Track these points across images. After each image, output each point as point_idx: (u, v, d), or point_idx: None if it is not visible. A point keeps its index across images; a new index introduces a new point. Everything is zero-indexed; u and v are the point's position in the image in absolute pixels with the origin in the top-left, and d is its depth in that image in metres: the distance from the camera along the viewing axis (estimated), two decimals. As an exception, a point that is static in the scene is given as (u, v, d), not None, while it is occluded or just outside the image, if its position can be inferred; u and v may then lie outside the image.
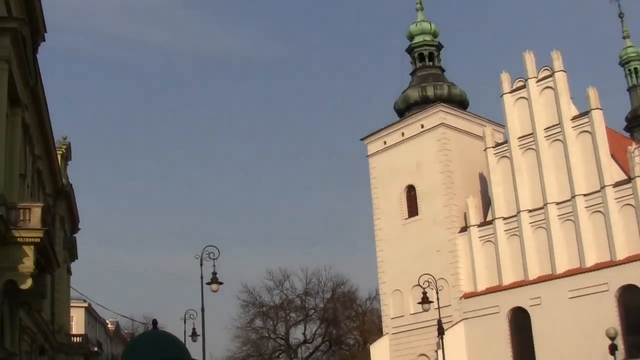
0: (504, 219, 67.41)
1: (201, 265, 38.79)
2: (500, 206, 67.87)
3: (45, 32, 33.05)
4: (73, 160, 51.14)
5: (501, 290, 65.80)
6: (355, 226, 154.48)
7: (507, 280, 65.82)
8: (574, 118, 65.21)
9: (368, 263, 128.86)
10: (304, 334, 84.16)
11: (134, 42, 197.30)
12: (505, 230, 67.13)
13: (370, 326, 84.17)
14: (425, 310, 47.22)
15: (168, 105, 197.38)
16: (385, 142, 77.95)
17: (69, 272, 51.52)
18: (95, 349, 60.95)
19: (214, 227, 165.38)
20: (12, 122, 29.70)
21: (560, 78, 66.41)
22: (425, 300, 44.58)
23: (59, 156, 45.03)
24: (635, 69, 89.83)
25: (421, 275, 46.57)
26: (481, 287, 67.47)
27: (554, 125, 66.10)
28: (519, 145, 67.96)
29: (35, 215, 25.72)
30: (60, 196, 45.13)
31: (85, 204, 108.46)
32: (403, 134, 76.43)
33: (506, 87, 69.70)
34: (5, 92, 27.38)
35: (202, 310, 39.68)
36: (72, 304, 58.07)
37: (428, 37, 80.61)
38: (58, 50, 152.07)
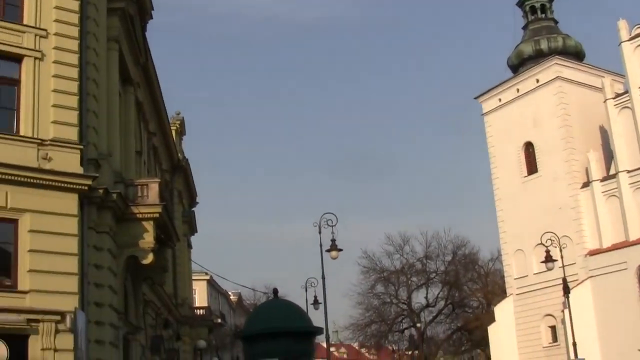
0: (628, 171, 65.12)
1: (320, 232, 38.93)
2: (624, 159, 65.58)
3: (152, 9, 33.57)
4: (187, 135, 52.11)
5: (628, 245, 63.73)
6: (473, 187, 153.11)
7: (634, 235, 63.69)
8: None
9: (488, 223, 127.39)
10: (426, 297, 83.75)
11: (236, 16, 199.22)
12: (630, 184, 64.86)
13: (494, 287, 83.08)
14: (549, 270, 46.31)
15: (275, 73, 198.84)
16: (500, 100, 76.38)
17: (189, 245, 52.65)
18: (219, 320, 62.27)
19: (332, 194, 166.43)
20: (126, 100, 30.38)
21: (683, 21, 63.42)
22: (548, 259, 43.67)
23: (173, 132, 45.88)
24: None
25: (543, 234, 45.60)
26: (607, 244, 65.52)
27: (677, 71, 63.36)
28: (641, 94, 65.41)
29: (153, 191, 26.35)
30: (176, 171, 46.00)
31: (202, 178, 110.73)
32: (518, 90, 74.67)
33: (624, 34, 66.98)
34: (116, 71, 28.01)
35: (323, 277, 39.89)
36: (193, 277, 59.38)
37: (539, -12, 78.17)
38: (164, 27, 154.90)
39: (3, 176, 21.73)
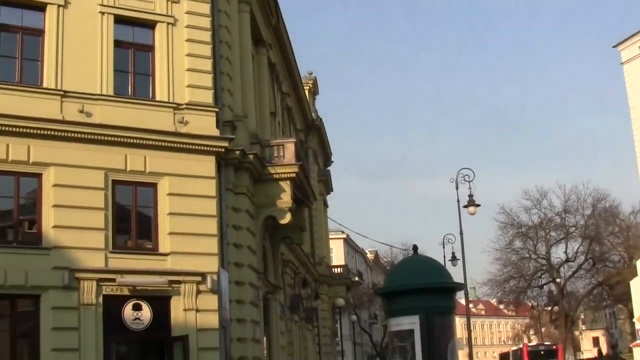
0: None
1: (457, 188, 38.28)
2: None
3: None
4: (320, 94, 51.95)
5: None
6: (611, 139, 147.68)
7: None
8: None
9: (629, 176, 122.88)
10: (565, 252, 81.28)
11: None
12: None
13: (636, 241, 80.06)
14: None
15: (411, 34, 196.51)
16: (640, 47, 72.99)
17: (325, 204, 52.72)
18: (356, 278, 62.33)
19: (469, 149, 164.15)
20: (259, 62, 30.37)
21: None
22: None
23: (306, 91, 45.75)
24: None
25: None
26: None
27: None
28: None
29: (289, 150, 26.30)
30: (310, 130, 45.94)
31: (336, 136, 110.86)
32: (661, 36, 71.14)
33: None
34: (248, 33, 27.96)
35: (461, 233, 39.30)
36: (330, 236, 59.55)
37: None
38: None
39: (141, 141, 22.05)
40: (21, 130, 20.68)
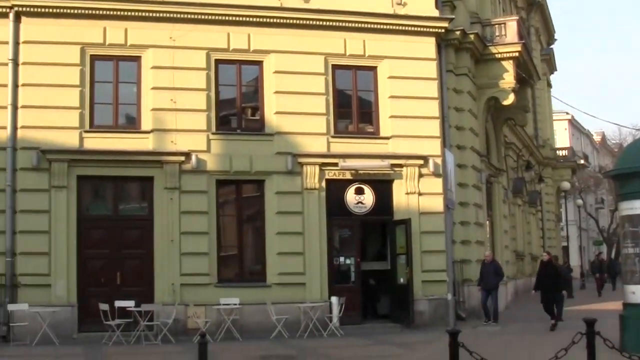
0: None
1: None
2: None
3: None
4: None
5: None
6: None
7: None
8: None
9: None
10: None
11: None
12: None
13: None
14: None
15: None
16: None
17: (549, 84, 50.39)
18: (582, 161, 59.61)
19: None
20: None
21: None
22: None
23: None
24: None
25: None
26: None
27: None
28: None
29: (510, 29, 25.16)
30: (532, 8, 43.64)
31: (559, 13, 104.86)
32: None
33: None
34: None
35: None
36: (554, 117, 57.11)
37: None
38: None
39: (360, 24, 21.60)
40: (241, 19, 20.78)
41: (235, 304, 19.62)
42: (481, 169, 24.88)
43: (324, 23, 21.32)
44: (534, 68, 28.72)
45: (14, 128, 19.41)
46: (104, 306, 18.47)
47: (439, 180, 21.66)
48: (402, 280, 21.23)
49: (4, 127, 19.36)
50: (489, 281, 21.32)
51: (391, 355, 16.63)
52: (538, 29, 45.37)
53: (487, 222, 26.34)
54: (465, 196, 23.24)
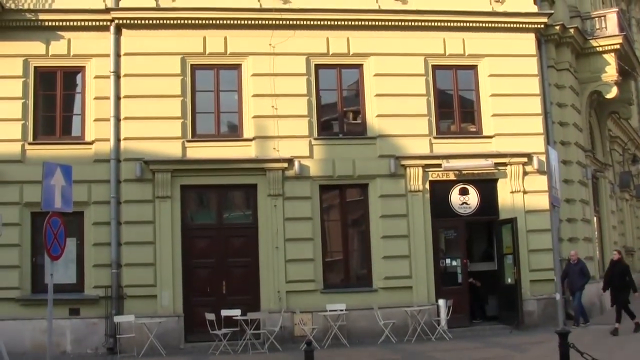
0: None
1: None
2: None
3: None
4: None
5: None
6: None
7: None
8: None
9: None
10: None
11: None
12: None
13: None
14: None
15: None
16: None
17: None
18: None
19: None
20: None
21: None
22: None
23: (625, -42, 41.80)
24: None
25: None
26: None
27: None
28: None
29: (611, 21, 24.31)
30: (632, -1, 42.16)
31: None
32: None
33: None
34: None
35: None
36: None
37: None
38: None
39: (459, 23, 21.27)
40: (339, 22, 20.67)
41: (341, 310, 19.37)
42: (586, 165, 24.06)
43: (423, 23, 21.00)
44: (637, 60, 27.63)
45: (117, 140, 19.63)
46: (210, 315, 18.49)
47: (544, 178, 20.88)
48: (509, 280, 20.69)
49: (107, 140, 19.62)
50: (575, 282, 20.43)
51: (502, 357, 16.15)
52: (639, 20, 43.82)
53: (595, 218, 25.43)
54: (571, 193, 22.45)
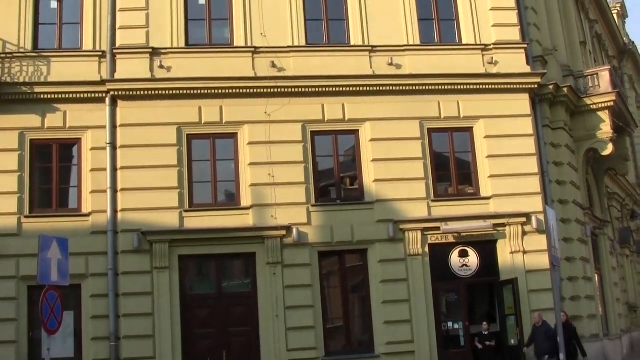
0: None
1: None
2: None
3: None
4: (630, 17, 47.65)
5: None
6: None
7: None
8: None
9: None
10: None
11: None
12: None
13: None
14: None
15: None
16: None
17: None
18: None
19: None
20: None
21: None
22: None
23: (614, 16, 42.13)
24: None
25: None
26: None
27: None
28: None
29: (604, 79, 24.31)
30: (624, 56, 42.39)
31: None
32: None
33: None
34: None
35: None
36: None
37: None
38: None
39: (453, 86, 21.21)
40: (335, 89, 20.60)
41: (344, 377, 18.90)
42: (585, 222, 23.82)
43: (417, 87, 20.96)
44: (631, 116, 27.63)
45: (114, 211, 19.35)
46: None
47: (543, 237, 20.56)
48: (513, 341, 20.22)
49: (104, 211, 19.34)
50: (540, 345, 19.66)
51: None
52: (631, 76, 44.11)
53: (596, 275, 25.08)
54: (571, 251, 22.16)
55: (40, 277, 12.59)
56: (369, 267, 20.17)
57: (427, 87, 20.96)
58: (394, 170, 20.37)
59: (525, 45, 22.21)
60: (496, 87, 21.41)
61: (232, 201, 20.17)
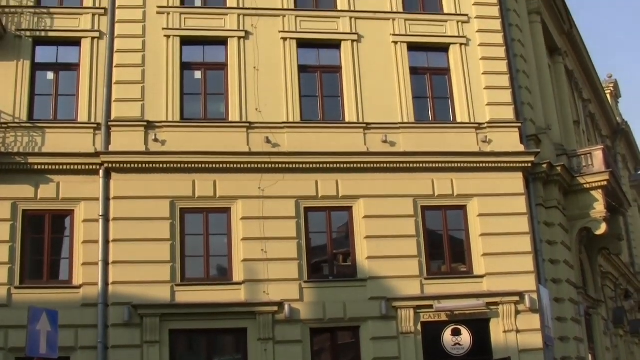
0: None
1: None
2: None
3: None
4: (623, 97, 48.20)
5: None
6: None
7: None
8: None
9: None
10: None
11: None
12: None
13: None
14: None
15: None
16: None
17: (632, 211, 48.63)
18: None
19: None
20: (556, 71, 29.14)
21: None
22: None
23: (607, 96, 42.64)
24: None
25: None
26: None
27: None
28: None
29: (597, 159, 24.43)
30: (617, 135, 42.82)
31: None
32: None
33: None
34: (542, 44, 27.05)
35: None
36: None
37: None
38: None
39: (447, 164, 21.23)
40: (329, 165, 20.61)
41: None
42: (579, 302, 23.58)
43: (411, 165, 20.94)
44: (624, 195, 27.70)
45: (105, 284, 19.09)
46: None
47: (537, 316, 20.53)
48: (507, 423, 19.77)
49: (95, 284, 19.08)
50: None
51: None
52: (625, 155, 44.41)
53: (590, 356, 24.73)
54: (564, 330, 21.91)
55: (28, 349, 12.46)
56: (361, 345, 19.78)
57: (421, 165, 20.96)
58: (387, 247, 20.21)
59: (519, 124, 22.29)
60: (490, 165, 21.42)
61: (224, 276, 19.90)
